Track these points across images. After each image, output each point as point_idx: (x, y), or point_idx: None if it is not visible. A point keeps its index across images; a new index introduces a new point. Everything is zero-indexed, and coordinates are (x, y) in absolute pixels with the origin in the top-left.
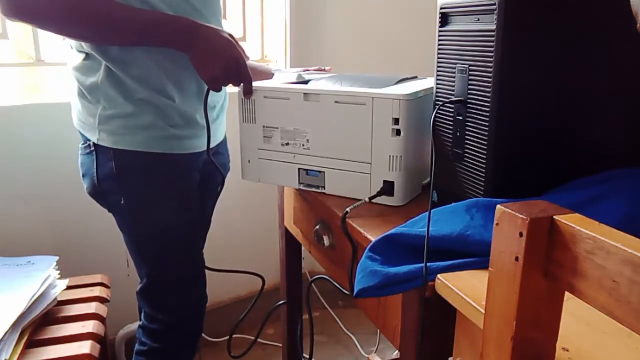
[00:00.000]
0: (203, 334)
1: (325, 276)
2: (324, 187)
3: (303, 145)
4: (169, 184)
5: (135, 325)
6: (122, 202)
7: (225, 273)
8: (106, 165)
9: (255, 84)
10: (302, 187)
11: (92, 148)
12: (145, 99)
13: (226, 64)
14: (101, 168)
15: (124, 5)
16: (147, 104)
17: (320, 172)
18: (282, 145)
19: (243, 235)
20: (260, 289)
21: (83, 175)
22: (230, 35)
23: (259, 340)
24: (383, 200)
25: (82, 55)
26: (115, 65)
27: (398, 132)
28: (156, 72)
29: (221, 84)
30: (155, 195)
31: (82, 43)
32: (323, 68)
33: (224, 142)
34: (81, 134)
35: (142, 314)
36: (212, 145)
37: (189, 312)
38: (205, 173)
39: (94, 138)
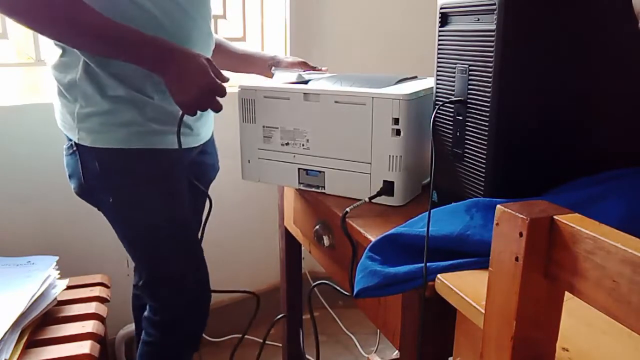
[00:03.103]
0: (203, 334)
1: (326, 281)
2: (324, 187)
3: (303, 145)
4: (155, 181)
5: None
6: (111, 200)
7: (226, 269)
8: (90, 165)
9: (255, 84)
10: (302, 187)
11: (75, 148)
12: (123, 96)
13: (199, 92)
14: (86, 168)
15: (104, 18)
16: (125, 101)
17: (320, 172)
18: (282, 145)
19: (243, 236)
20: (255, 309)
21: (70, 177)
22: (207, 60)
23: (258, 340)
24: (383, 200)
25: (60, 51)
26: (93, 62)
27: (398, 132)
28: (135, 72)
29: (194, 110)
30: (142, 193)
31: None
32: (319, 68)
33: (211, 142)
34: (65, 134)
35: (147, 306)
36: (196, 144)
37: (190, 307)
38: (192, 173)
39: (74, 137)
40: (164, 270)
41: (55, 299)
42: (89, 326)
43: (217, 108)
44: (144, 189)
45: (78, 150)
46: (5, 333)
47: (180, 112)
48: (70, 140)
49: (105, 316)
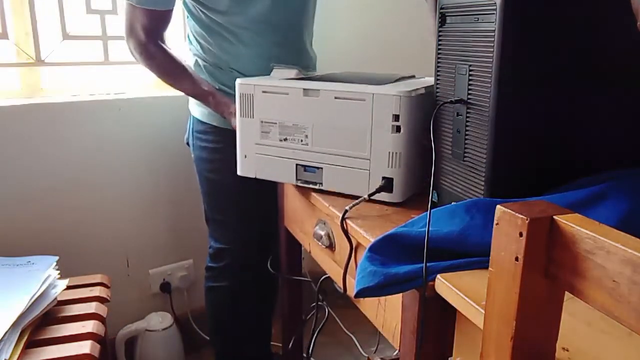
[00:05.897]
0: (203, 334)
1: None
2: (322, 183)
3: (302, 141)
4: None
5: (135, 326)
6: None
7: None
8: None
9: (254, 80)
10: (299, 184)
11: None
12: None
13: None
14: None
15: (193, 88)
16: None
17: (318, 168)
18: (280, 140)
19: None
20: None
21: None
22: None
23: None
24: (382, 196)
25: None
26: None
27: (398, 129)
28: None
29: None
30: None
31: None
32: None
33: None
34: None
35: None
36: None
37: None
38: None
39: None
40: None
41: (55, 299)
42: (89, 326)
43: None
44: None
45: None
46: (5, 333)
47: None
48: None
49: (105, 316)
